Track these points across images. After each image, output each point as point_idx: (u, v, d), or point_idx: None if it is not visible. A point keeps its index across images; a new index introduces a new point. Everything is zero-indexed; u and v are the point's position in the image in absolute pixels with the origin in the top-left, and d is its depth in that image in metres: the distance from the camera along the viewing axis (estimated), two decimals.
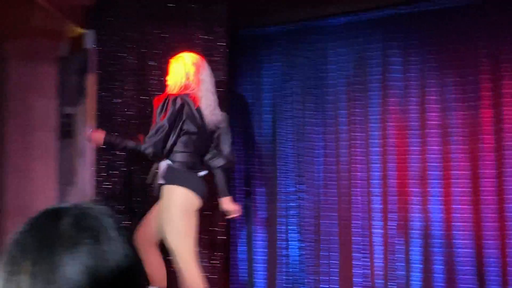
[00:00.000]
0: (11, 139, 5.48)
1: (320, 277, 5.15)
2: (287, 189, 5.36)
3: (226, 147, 4.35)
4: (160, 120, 4.11)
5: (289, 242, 5.31)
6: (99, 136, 4.42)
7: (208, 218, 4.87)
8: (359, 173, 5.10)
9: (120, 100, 5.15)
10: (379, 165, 5.02)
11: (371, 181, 5.04)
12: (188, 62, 4.34)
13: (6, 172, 5.50)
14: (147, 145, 4.12)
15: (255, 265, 5.43)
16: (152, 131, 4.14)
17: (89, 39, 5.40)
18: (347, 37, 5.23)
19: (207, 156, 4.34)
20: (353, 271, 5.05)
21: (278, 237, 5.35)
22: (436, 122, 4.86)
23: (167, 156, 4.16)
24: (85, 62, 5.39)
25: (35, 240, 1.05)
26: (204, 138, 4.26)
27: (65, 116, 5.52)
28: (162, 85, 4.98)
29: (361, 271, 5.02)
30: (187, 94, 4.22)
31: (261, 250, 5.43)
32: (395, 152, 4.98)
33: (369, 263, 5.00)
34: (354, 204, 5.09)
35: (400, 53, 5.03)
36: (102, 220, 1.09)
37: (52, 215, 1.10)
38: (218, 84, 5.03)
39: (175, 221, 4.05)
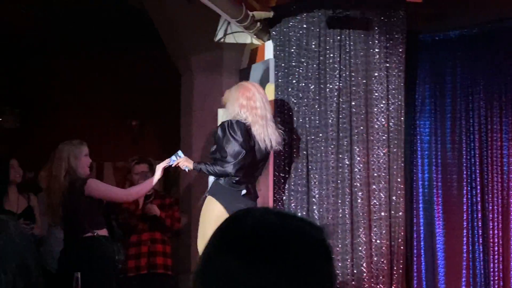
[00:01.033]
0: (197, 147, 5.78)
1: None
2: (472, 199, 5.13)
3: None
4: (230, 144, 4.37)
5: (475, 254, 5.08)
6: (185, 162, 4.69)
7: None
8: None
9: (297, 109, 5.23)
10: None
11: None
12: (241, 91, 4.55)
13: (192, 178, 5.80)
14: (228, 170, 4.38)
15: (438, 277, 5.26)
16: (228, 153, 4.38)
17: (269, 50, 5.56)
18: None
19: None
20: None
21: (462, 249, 5.14)
22: None
23: None
24: (265, 72, 5.55)
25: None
26: (254, 159, 4.53)
27: None
28: (341, 94, 5.02)
29: None
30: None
31: (442, 261, 5.25)
32: None
33: None
34: None
35: None
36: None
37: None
38: (395, 92, 4.97)
39: (205, 229, 4.35)
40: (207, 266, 1.09)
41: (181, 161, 4.68)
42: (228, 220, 1.14)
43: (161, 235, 5.63)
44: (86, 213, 4.73)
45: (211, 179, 4.65)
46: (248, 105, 4.50)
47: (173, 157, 4.71)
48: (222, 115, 4.67)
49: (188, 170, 4.73)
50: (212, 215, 4.36)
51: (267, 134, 4.54)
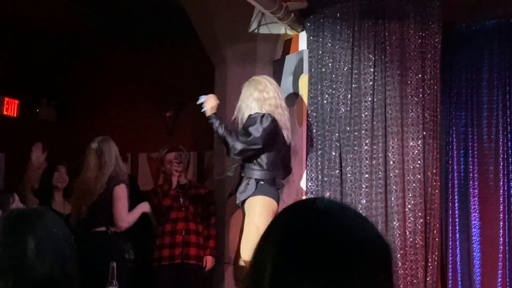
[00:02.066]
0: None
1: None
2: (509, 191, 5.05)
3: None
4: (257, 134, 4.52)
5: None
6: (211, 105, 4.74)
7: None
8: None
9: (331, 100, 5.21)
10: None
11: None
12: (253, 86, 4.70)
13: (226, 169, 5.82)
14: (237, 147, 4.55)
15: (474, 268, 5.20)
16: (248, 138, 4.53)
17: (302, 40, 5.55)
18: None
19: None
20: None
21: (499, 241, 5.07)
22: None
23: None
24: (299, 63, 5.53)
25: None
26: (279, 153, 4.71)
27: None
28: (375, 84, 4.98)
29: None
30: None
31: (478, 253, 5.19)
32: None
33: None
34: None
35: None
36: None
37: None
38: (430, 83, 4.91)
39: (257, 228, 4.38)
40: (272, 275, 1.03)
41: (208, 101, 4.75)
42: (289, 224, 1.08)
43: (195, 225, 5.66)
44: (106, 209, 4.83)
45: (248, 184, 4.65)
46: (262, 97, 4.63)
47: (203, 97, 4.78)
48: (242, 113, 4.72)
49: (203, 112, 4.77)
50: (265, 210, 4.47)
51: (285, 122, 4.71)
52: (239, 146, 4.55)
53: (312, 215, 1.05)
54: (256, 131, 4.54)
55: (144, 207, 5.18)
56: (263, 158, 4.59)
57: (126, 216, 4.98)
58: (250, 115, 4.63)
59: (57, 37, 7.94)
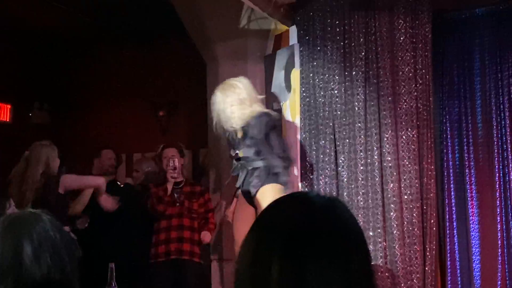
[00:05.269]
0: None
1: None
2: (505, 178, 5.06)
3: None
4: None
5: (510, 233, 5.01)
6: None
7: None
8: None
9: (323, 93, 5.21)
10: None
11: None
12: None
13: (221, 166, 5.82)
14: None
15: (472, 256, 5.21)
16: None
17: (293, 35, 5.54)
18: None
19: None
20: None
21: (496, 228, 5.08)
22: None
23: None
24: (290, 58, 5.52)
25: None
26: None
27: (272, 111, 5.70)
28: (367, 76, 4.98)
29: None
30: None
31: (476, 241, 5.19)
32: None
33: None
34: None
35: None
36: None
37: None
38: (422, 73, 4.91)
39: None
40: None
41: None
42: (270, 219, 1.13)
43: (190, 221, 5.65)
44: (55, 209, 4.91)
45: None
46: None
47: None
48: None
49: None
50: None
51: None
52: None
53: (315, 210, 1.10)
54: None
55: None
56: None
57: (96, 177, 5.32)
58: None
59: (48, 40, 7.90)
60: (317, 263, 1.03)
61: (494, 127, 5.13)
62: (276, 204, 1.13)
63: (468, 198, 5.24)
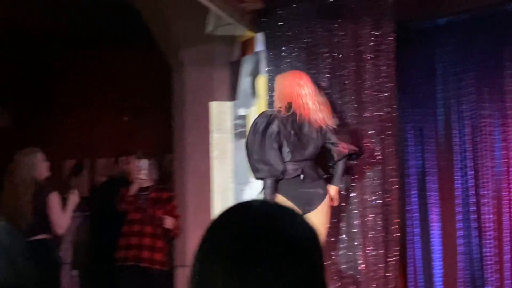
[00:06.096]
0: (190, 141, 5.79)
1: (505, 274, 4.90)
2: (466, 185, 5.14)
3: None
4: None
5: (471, 239, 5.09)
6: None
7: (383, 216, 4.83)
8: None
9: None
10: None
11: None
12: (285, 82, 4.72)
13: (186, 172, 5.82)
14: None
15: (433, 263, 5.28)
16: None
17: (259, 41, 5.56)
18: None
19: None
20: None
21: (457, 234, 5.15)
22: None
23: None
24: (256, 64, 5.54)
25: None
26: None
27: (238, 118, 5.72)
28: (331, 84, 5.02)
29: None
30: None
31: (438, 247, 5.27)
32: None
33: None
34: None
35: None
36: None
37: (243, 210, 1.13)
38: (386, 81, 4.97)
39: None
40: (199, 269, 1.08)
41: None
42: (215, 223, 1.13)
43: (152, 229, 5.60)
44: (40, 217, 5.02)
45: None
46: None
47: None
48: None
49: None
50: None
51: None
52: None
53: (255, 219, 1.09)
54: None
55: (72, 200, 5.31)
56: None
57: (62, 221, 5.20)
58: None
59: (9, 42, 7.79)
60: (259, 273, 1.01)
61: (455, 134, 5.22)
62: (220, 215, 1.14)
63: (430, 205, 5.32)
